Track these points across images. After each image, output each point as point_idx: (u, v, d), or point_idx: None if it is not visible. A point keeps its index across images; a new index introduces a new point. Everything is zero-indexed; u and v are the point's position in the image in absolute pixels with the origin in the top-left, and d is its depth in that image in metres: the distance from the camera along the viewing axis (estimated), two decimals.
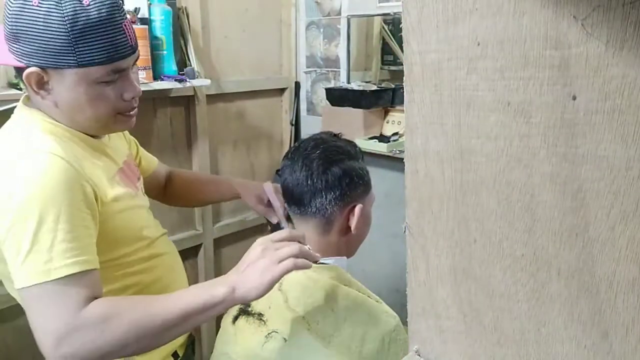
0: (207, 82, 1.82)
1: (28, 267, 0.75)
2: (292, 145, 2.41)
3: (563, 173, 0.41)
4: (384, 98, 2.08)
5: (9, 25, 0.80)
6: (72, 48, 0.79)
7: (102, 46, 0.80)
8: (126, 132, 1.15)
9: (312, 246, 0.98)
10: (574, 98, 0.39)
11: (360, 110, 2.03)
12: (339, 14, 2.16)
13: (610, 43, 0.36)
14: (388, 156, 1.93)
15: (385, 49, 2.28)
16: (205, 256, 2.07)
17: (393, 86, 2.13)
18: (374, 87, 2.08)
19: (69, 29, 0.77)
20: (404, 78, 0.51)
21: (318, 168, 0.93)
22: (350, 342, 0.89)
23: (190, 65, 1.85)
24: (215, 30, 2.02)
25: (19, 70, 0.84)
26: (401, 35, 0.49)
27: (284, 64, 2.34)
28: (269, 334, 0.91)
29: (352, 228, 0.96)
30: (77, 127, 0.90)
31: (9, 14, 0.79)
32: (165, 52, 1.70)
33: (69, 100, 0.86)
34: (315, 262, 0.85)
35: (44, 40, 0.78)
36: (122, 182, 0.96)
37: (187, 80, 1.72)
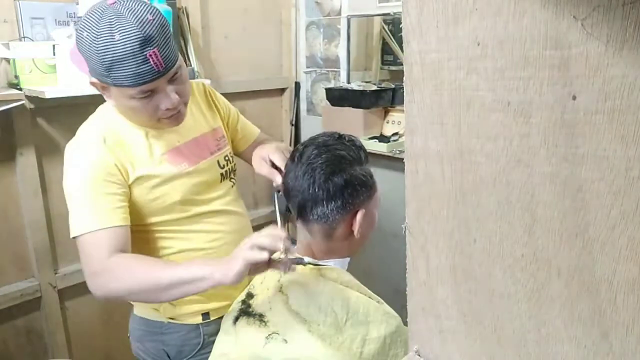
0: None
1: (70, 223, 1.02)
2: (291, 143, 2.41)
3: (563, 173, 0.41)
4: (384, 98, 2.08)
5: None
6: (108, 72, 0.95)
7: (128, 74, 0.95)
8: (228, 105, 1.33)
9: (315, 250, 0.98)
10: (574, 98, 0.39)
11: (360, 110, 2.03)
12: (339, 14, 2.16)
13: (610, 43, 0.36)
14: (388, 156, 1.94)
15: (385, 49, 2.28)
16: None
17: (393, 86, 2.13)
18: (374, 87, 2.08)
19: (102, 59, 0.94)
20: (404, 78, 0.51)
21: (320, 178, 0.92)
22: (351, 344, 0.88)
23: (190, 65, 1.85)
24: (215, 30, 2.02)
25: None
26: (401, 35, 0.49)
27: (284, 64, 2.34)
28: (269, 335, 0.91)
29: (355, 233, 0.96)
30: None
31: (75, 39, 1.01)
32: None
33: (119, 106, 1.07)
34: (299, 263, 0.90)
35: (92, 64, 0.97)
36: (173, 159, 1.11)
37: None
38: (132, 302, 1.21)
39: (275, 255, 0.88)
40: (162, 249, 1.14)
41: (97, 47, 0.93)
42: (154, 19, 0.95)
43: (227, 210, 1.20)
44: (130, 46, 0.92)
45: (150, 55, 0.94)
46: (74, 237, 1.01)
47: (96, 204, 1.01)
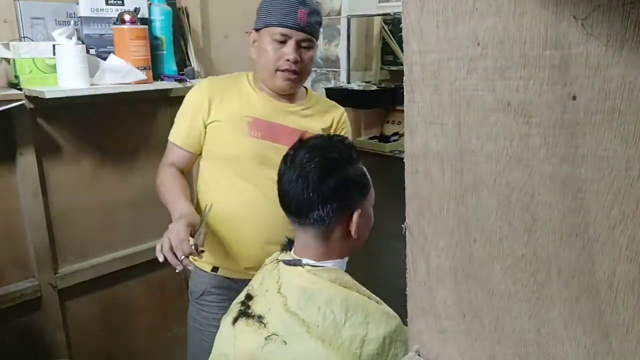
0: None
1: None
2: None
3: (563, 173, 0.41)
4: (384, 98, 2.08)
5: None
6: (267, 13, 1.30)
7: (280, 15, 1.28)
8: (345, 124, 1.50)
9: (313, 252, 0.98)
10: (574, 98, 0.39)
11: (360, 110, 2.03)
12: (339, 14, 2.16)
13: (610, 43, 0.36)
14: (388, 156, 1.93)
15: (385, 49, 2.28)
16: None
17: (393, 86, 2.13)
18: (374, 87, 2.08)
19: (270, 4, 1.30)
20: (404, 78, 0.51)
21: (314, 181, 0.92)
22: (351, 344, 0.88)
23: (190, 65, 1.85)
24: (215, 30, 2.02)
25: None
26: (401, 35, 0.49)
27: None
28: (268, 336, 0.91)
29: (353, 233, 0.96)
30: (262, 80, 1.37)
31: None
32: (165, 52, 1.70)
33: (257, 54, 1.35)
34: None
35: (261, 12, 1.33)
36: (253, 125, 1.34)
37: (187, 80, 1.72)
38: None
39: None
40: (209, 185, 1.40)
41: None
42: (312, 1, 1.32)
43: (269, 195, 1.30)
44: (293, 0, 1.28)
45: (300, 12, 1.28)
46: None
47: (180, 121, 1.38)
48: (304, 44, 1.31)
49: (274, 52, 1.30)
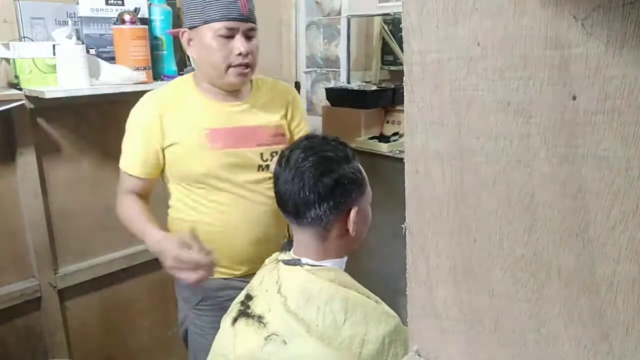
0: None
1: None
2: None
3: (563, 173, 0.41)
4: (384, 98, 2.08)
5: None
6: (202, 9, 1.20)
7: (220, 8, 1.19)
8: (302, 119, 1.46)
9: (312, 252, 0.98)
10: (574, 98, 0.39)
11: (360, 110, 2.03)
12: (339, 14, 2.16)
13: (610, 43, 0.36)
14: (388, 156, 1.93)
15: (385, 49, 2.28)
16: None
17: (393, 86, 2.13)
18: (374, 87, 2.08)
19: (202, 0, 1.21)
20: (404, 78, 0.51)
21: (309, 181, 0.92)
22: (350, 344, 0.88)
23: (190, 65, 1.85)
24: None
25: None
26: (401, 35, 0.49)
27: (284, 64, 2.34)
28: (268, 336, 0.91)
29: (351, 231, 0.96)
30: (208, 81, 1.30)
31: None
32: (165, 52, 1.70)
33: (199, 55, 1.27)
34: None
35: (191, 8, 1.23)
36: (212, 136, 1.28)
37: None
38: None
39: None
40: (180, 206, 1.35)
41: None
42: None
43: (246, 195, 1.32)
44: None
45: (241, 1, 1.20)
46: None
47: (133, 149, 1.28)
48: (250, 34, 1.25)
49: (222, 48, 1.21)
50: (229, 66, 1.23)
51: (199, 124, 1.27)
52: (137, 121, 1.28)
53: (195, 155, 1.26)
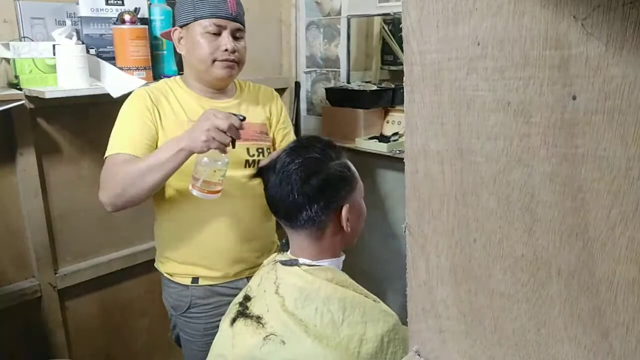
0: None
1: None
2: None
3: (563, 173, 0.41)
4: (384, 98, 2.08)
5: None
6: (193, 7, 1.25)
7: (209, 5, 1.24)
8: (285, 122, 1.49)
9: (308, 252, 0.98)
10: (574, 98, 0.39)
11: (360, 110, 2.03)
12: (339, 14, 2.16)
13: (610, 43, 0.36)
14: (388, 156, 1.93)
15: (385, 49, 2.28)
16: None
17: (393, 86, 2.13)
18: (374, 87, 2.08)
19: None
20: (404, 78, 0.51)
21: (297, 183, 0.93)
22: (349, 343, 0.88)
23: None
24: None
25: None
26: (401, 35, 0.49)
27: (284, 64, 2.34)
28: (266, 336, 0.91)
29: (345, 228, 0.96)
30: (196, 78, 1.34)
31: None
32: (165, 52, 1.70)
33: (187, 51, 1.31)
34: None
35: (182, 8, 1.29)
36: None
37: None
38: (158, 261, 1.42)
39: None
40: (171, 202, 1.33)
41: None
42: None
43: (233, 192, 1.31)
44: None
45: (230, 1, 1.26)
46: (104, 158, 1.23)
47: (126, 132, 1.24)
48: (237, 34, 1.30)
49: (209, 44, 1.26)
50: (215, 60, 1.27)
51: (187, 117, 1.29)
52: (131, 109, 1.27)
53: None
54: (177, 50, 1.35)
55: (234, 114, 1.13)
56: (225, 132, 1.09)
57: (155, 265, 1.44)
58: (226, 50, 1.26)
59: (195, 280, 1.36)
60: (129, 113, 1.27)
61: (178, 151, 1.11)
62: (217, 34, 1.26)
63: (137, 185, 1.15)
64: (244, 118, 1.14)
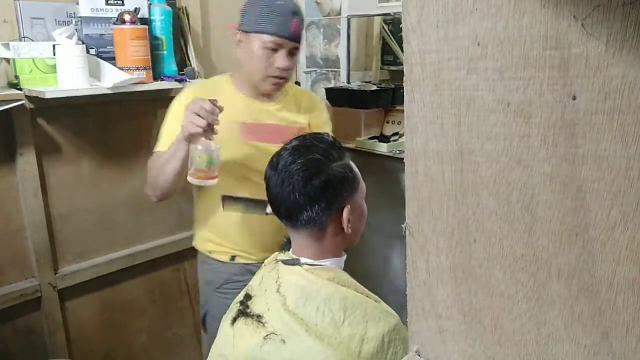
0: None
1: None
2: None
3: (563, 173, 0.41)
4: (384, 98, 2.08)
5: None
6: (259, 19, 1.30)
7: (274, 23, 1.30)
8: (324, 123, 1.55)
9: (309, 251, 0.98)
10: (574, 98, 0.39)
11: (360, 110, 2.03)
12: (339, 14, 2.16)
13: (610, 43, 0.36)
14: (388, 156, 1.93)
15: (385, 49, 2.28)
16: None
17: (393, 86, 2.13)
18: (374, 87, 2.08)
19: (262, 10, 1.30)
20: (404, 78, 0.51)
21: (299, 183, 0.92)
22: (350, 343, 0.88)
23: (190, 65, 1.85)
24: (215, 30, 2.02)
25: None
26: (401, 35, 0.49)
27: None
28: (267, 335, 0.91)
29: (346, 229, 0.96)
30: (246, 79, 1.42)
31: None
32: (165, 52, 1.70)
33: (244, 57, 1.38)
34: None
35: (248, 15, 1.34)
36: (243, 129, 1.39)
37: (187, 80, 1.72)
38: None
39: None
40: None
41: (263, 2, 1.31)
42: (300, 9, 1.37)
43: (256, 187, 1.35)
44: (286, 9, 1.31)
45: (293, 22, 1.32)
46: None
47: (168, 132, 1.34)
48: (293, 52, 1.37)
49: (266, 59, 1.33)
50: (268, 76, 1.35)
51: (232, 116, 1.35)
52: (174, 108, 1.38)
53: (226, 146, 1.32)
54: (234, 47, 1.41)
55: (210, 100, 1.20)
56: (199, 115, 1.16)
57: (193, 244, 1.55)
58: (279, 68, 1.33)
59: (233, 257, 1.47)
60: (174, 112, 1.37)
61: (179, 141, 1.23)
62: (274, 50, 1.32)
63: (162, 177, 1.30)
64: (215, 100, 1.20)
